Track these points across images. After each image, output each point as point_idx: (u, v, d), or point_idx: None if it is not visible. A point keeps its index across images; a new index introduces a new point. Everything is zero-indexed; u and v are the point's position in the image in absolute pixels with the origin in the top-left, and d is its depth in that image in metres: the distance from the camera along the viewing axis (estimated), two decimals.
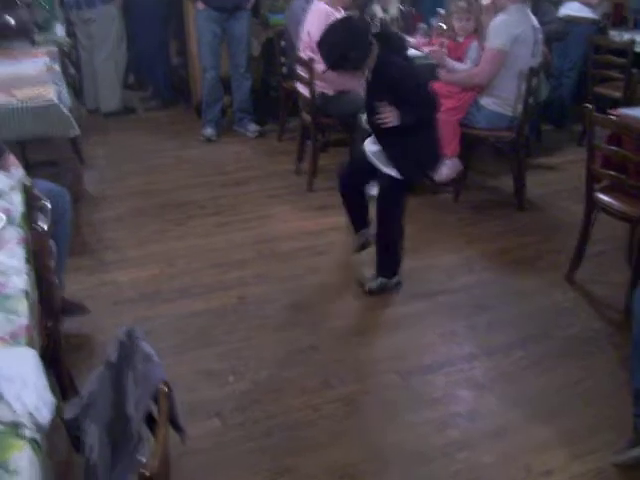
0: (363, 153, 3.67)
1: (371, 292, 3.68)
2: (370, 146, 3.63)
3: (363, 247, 3.91)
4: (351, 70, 3.44)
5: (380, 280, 3.69)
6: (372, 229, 3.80)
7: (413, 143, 3.48)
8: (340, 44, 3.32)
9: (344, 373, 3.08)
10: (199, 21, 5.80)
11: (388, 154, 3.51)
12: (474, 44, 4.48)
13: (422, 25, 5.43)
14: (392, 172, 3.51)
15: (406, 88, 3.39)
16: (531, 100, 4.50)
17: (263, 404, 2.89)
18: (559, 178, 5.23)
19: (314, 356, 3.21)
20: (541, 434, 2.74)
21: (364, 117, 3.92)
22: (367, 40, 3.33)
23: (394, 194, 3.59)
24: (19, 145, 4.61)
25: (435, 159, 3.67)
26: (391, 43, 3.45)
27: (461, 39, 4.55)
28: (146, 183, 5.17)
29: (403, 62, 3.50)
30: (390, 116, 3.37)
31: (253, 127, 6.15)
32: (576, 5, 5.90)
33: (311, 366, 3.14)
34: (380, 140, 3.55)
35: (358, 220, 3.87)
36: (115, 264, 4.02)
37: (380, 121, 3.39)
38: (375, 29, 3.39)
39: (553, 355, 3.22)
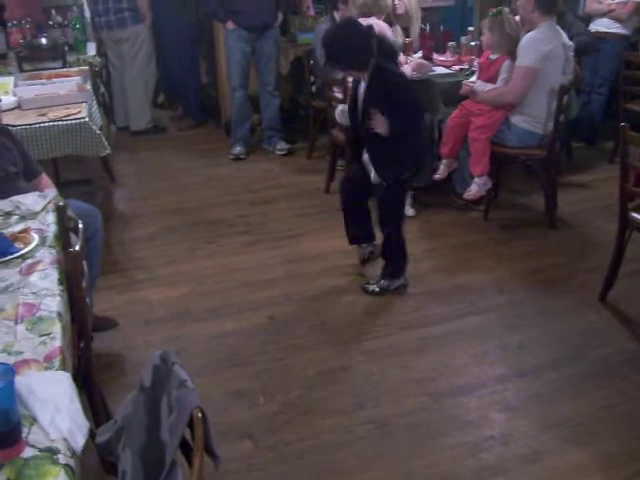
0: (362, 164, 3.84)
1: (374, 293, 3.85)
2: (364, 155, 3.80)
3: (366, 260, 4.12)
4: (351, 70, 3.59)
5: (382, 282, 3.87)
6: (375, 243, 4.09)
7: (397, 149, 3.61)
8: (345, 43, 3.48)
9: (376, 394, 3.06)
10: (229, 41, 5.84)
11: (372, 159, 3.69)
12: (507, 63, 4.44)
13: (451, 43, 5.41)
14: (380, 181, 3.69)
15: (401, 96, 3.54)
16: (562, 118, 4.46)
17: (294, 425, 2.87)
18: (591, 196, 5.17)
19: (345, 377, 3.19)
20: (576, 458, 2.69)
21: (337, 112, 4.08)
22: (370, 43, 3.46)
23: (391, 202, 3.77)
24: (52, 164, 4.67)
25: (416, 165, 3.78)
26: (385, 49, 3.56)
27: (493, 57, 4.52)
28: (176, 202, 5.20)
29: (399, 70, 3.67)
30: (380, 124, 3.53)
31: (282, 145, 6.17)
32: (605, 21, 5.85)
33: (342, 387, 3.12)
34: (367, 145, 3.73)
35: (356, 232, 4.05)
36: (146, 283, 4.04)
37: (370, 127, 3.57)
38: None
39: (586, 377, 3.17)
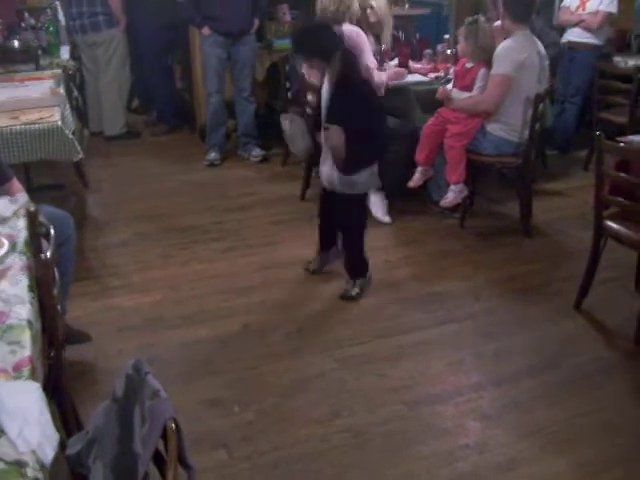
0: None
1: (358, 296, 3.87)
2: (321, 166, 3.83)
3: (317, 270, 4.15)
4: (315, 58, 3.62)
5: (359, 282, 3.90)
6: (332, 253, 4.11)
7: (355, 150, 3.61)
8: (313, 35, 3.64)
9: (351, 403, 3.03)
10: (205, 46, 5.82)
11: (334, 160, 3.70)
12: (482, 71, 4.46)
13: (428, 51, 5.42)
14: (339, 188, 3.72)
15: (363, 104, 3.62)
16: (537, 126, 4.48)
17: (269, 435, 2.84)
18: (566, 204, 5.20)
19: (320, 385, 3.16)
20: (553, 466, 2.69)
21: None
22: (336, 39, 3.63)
23: (351, 209, 3.81)
24: (23, 168, 4.60)
25: (374, 157, 3.77)
26: (350, 58, 3.70)
27: (469, 65, 4.53)
28: (150, 207, 5.15)
29: (364, 78, 3.78)
30: (335, 137, 3.56)
31: (257, 151, 6.14)
32: (578, 31, 5.89)
33: (317, 395, 3.09)
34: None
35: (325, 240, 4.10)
36: (119, 289, 3.98)
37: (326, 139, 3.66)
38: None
39: (562, 385, 3.17)
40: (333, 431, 2.86)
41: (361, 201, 3.86)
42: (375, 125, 3.68)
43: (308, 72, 3.70)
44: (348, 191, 3.70)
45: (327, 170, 3.76)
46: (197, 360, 3.34)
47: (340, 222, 3.89)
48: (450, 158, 4.56)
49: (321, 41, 3.56)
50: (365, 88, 3.72)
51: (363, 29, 5.29)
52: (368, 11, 5.32)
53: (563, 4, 6.09)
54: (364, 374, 3.24)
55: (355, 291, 3.88)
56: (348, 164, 3.66)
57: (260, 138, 6.25)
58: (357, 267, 3.94)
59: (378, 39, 5.41)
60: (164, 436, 1.45)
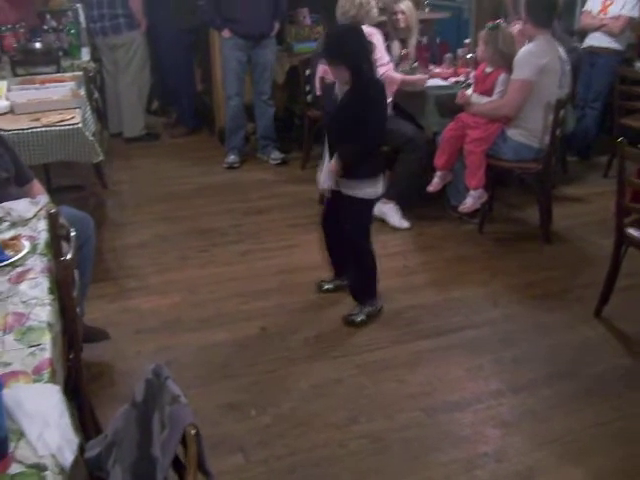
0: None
1: (362, 323, 3.68)
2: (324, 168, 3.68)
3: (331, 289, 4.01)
4: (347, 65, 3.36)
5: (367, 310, 3.72)
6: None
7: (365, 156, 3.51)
8: (350, 40, 3.42)
9: (369, 409, 3.02)
10: (225, 49, 5.83)
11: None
12: (502, 76, 4.43)
13: (448, 55, 5.41)
14: (347, 190, 3.54)
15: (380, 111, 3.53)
16: (558, 132, 4.45)
17: (286, 439, 2.83)
18: (586, 210, 5.16)
19: (338, 390, 3.15)
20: (570, 476, 2.66)
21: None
22: (369, 47, 3.50)
23: (357, 217, 3.60)
24: (43, 169, 4.63)
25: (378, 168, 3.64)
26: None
27: (489, 69, 4.51)
28: (169, 209, 5.16)
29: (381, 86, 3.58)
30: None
31: (276, 154, 6.15)
32: (599, 36, 5.84)
33: (335, 400, 3.08)
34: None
35: (337, 263, 3.94)
36: (137, 291, 3.99)
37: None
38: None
39: (581, 393, 3.14)
40: (351, 437, 2.85)
41: (369, 205, 3.64)
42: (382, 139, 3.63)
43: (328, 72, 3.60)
44: (351, 193, 3.53)
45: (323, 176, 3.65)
46: (215, 363, 3.34)
47: (348, 229, 3.61)
48: (470, 163, 4.54)
49: (355, 52, 3.35)
50: (381, 96, 3.56)
51: (390, 33, 5.31)
52: (399, 16, 5.32)
53: (585, 8, 6.04)
54: (382, 380, 3.23)
55: (360, 317, 3.69)
56: (352, 169, 3.53)
57: (279, 141, 6.25)
58: (364, 289, 3.75)
59: (404, 43, 5.41)
60: (184, 442, 1.45)
